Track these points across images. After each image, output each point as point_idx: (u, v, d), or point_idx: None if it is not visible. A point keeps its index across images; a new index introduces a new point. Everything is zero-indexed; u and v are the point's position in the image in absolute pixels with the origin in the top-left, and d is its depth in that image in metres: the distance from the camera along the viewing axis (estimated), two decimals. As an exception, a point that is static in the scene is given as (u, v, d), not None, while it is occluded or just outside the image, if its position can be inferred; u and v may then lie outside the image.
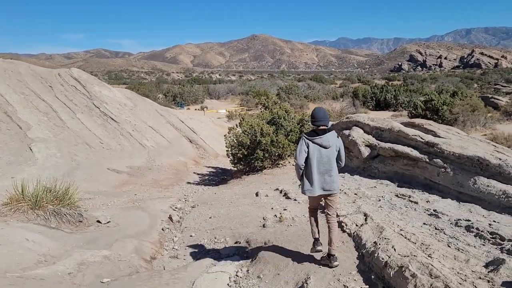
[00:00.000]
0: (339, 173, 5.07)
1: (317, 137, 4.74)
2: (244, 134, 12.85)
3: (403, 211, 6.28)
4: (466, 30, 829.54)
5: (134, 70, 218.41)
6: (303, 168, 4.87)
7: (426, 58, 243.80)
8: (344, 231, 5.99)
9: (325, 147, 4.72)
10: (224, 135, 13.07)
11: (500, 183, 6.06)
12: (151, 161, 16.77)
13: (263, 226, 7.54)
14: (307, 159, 4.79)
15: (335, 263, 4.83)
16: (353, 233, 5.72)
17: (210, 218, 9.07)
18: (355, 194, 7.75)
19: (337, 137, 4.87)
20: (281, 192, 9.91)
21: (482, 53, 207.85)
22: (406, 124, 10.22)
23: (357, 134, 10.46)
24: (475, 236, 4.74)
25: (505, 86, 58.25)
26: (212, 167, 17.78)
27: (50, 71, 20.75)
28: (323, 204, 5.28)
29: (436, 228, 5.21)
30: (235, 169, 13.82)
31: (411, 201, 6.71)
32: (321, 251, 5.06)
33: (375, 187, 8.27)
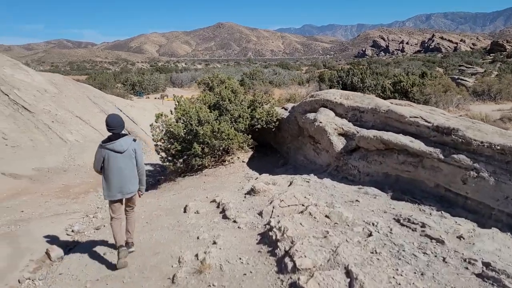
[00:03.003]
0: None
1: (110, 142, 4.79)
2: (178, 122, 9.60)
3: (423, 265, 3.23)
4: (426, 16, 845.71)
5: (97, 61, 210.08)
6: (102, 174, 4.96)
7: (388, 43, 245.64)
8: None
9: (119, 152, 4.78)
10: (150, 125, 9.77)
11: None
12: (70, 160, 13.22)
13: (172, 280, 4.37)
14: (105, 165, 4.83)
15: (131, 249, 5.35)
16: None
17: (104, 254, 5.83)
18: (326, 217, 4.66)
19: (134, 140, 5.00)
20: (218, 206, 6.74)
21: (442, 38, 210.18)
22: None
23: (326, 118, 7.41)
24: None
25: (469, 67, 57.44)
26: (151, 164, 14.40)
27: None
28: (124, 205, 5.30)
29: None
30: (172, 168, 10.48)
31: (430, 238, 3.68)
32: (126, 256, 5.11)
33: (357, 201, 5.21)
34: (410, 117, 5.67)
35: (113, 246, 6.11)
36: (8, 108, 14.84)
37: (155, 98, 41.87)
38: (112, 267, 5.25)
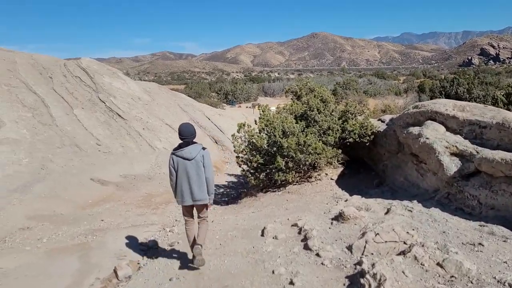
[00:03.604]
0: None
1: (179, 150, 4.95)
2: (261, 133, 8.88)
3: None
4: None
5: (195, 71, 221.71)
6: (174, 181, 5.07)
7: (499, 51, 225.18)
8: None
9: (187, 159, 4.90)
10: (232, 135, 9.15)
11: None
12: (156, 168, 13.21)
13: (235, 331, 3.55)
14: (175, 172, 5.01)
15: (197, 250, 5.11)
16: None
17: (170, 280, 5.22)
18: (438, 265, 3.52)
19: (203, 149, 5.02)
20: (300, 231, 5.83)
21: None
22: None
23: (435, 134, 6.13)
24: None
25: None
26: (235, 176, 13.94)
27: (56, 61, 17.92)
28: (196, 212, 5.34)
29: None
30: (253, 182, 9.72)
31: None
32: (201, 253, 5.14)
33: (480, 244, 3.96)
34: (557, 135, 4.27)
35: (181, 268, 5.53)
36: (104, 115, 15.38)
37: (247, 107, 42.86)
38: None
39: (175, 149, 5.03)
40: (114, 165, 12.68)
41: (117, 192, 10.87)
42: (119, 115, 15.57)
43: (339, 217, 5.85)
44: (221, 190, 11.98)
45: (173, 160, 5.00)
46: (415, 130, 6.48)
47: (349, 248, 4.72)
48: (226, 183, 12.97)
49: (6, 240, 7.19)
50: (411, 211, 5.32)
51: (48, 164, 11.03)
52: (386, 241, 4.44)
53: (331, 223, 5.81)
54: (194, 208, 5.29)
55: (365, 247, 4.50)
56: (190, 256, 5.51)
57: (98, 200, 10.02)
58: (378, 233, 4.63)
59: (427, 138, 6.05)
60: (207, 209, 5.29)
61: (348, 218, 5.62)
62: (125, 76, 19.43)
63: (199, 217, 5.31)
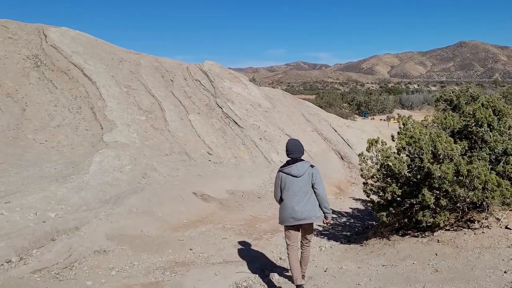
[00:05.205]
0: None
1: (287, 166, 4.79)
2: (400, 154, 6.41)
3: None
4: None
5: (328, 81, 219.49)
6: (280, 202, 4.91)
7: None
8: None
9: (295, 176, 4.72)
10: (359, 155, 6.83)
11: None
12: (268, 185, 11.44)
13: None
14: (281, 189, 4.82)
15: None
16: None
17: None
18: None
19: (311, 166, 4.80)
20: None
21: None
22: None
23: None
24: None
25: None
26: (362, 201, 11.45)
27: (180, 64, 17.54)
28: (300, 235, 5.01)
29: None
30: (385, 220, 7.14)
31: None
32: None
33: None
34: None
35: None
36: (220, 121, 14.24)
37: (380, 119, 39.67)
38: None
39: (283, 166, 4.88)
40: (223, 178, 11.27)
41: (218, 211, 9.34)
42: (235, 122, 14.28)
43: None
44: (343, 219, 9.67)
45: (281, 177, 4.83)
46: None
47: None
48: (350, 210, 10.59)
49: (74, 266, 6.00)
50: None
51: (151, 173, 10.00)
52: None
53: None
54: (300, 232, 4.95)
55: None
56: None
57: (194, 220, 8.57)
58: None
59: None
60: (326, 223, 5.05)
61: None
62: (247, 81, 18.27)
63: (303, 241, 5.01)
